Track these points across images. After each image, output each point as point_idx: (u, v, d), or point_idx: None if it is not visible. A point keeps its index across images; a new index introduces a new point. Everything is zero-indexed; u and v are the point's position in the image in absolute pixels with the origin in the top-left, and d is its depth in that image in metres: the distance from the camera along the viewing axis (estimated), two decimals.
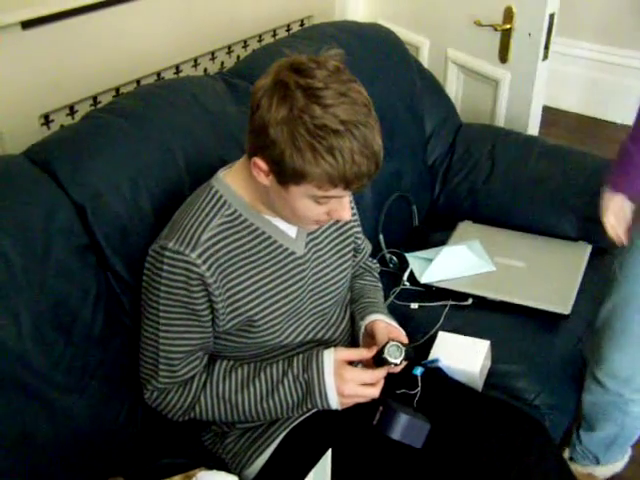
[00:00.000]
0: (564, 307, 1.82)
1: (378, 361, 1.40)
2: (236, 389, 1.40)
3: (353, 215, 1.61)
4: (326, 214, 1.31)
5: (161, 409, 1.46)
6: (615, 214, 1.62)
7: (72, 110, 1.98)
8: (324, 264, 1.51)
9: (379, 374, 1.39)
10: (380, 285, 1.72)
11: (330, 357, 1.39)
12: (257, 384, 1.40)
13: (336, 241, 1.54)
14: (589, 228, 2.03)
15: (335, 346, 1.48)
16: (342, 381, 1.37)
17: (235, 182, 1.38)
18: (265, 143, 1.21)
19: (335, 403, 1.38)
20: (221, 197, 1.37)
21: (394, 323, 1.55)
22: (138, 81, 2.14)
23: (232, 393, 1.40)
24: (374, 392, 1.38)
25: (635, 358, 1.70)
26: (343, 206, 1.29)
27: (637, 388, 1.74)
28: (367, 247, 1.72)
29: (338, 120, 1.17)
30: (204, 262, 1.31)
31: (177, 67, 2.25)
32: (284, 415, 1.44)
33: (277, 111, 1.18)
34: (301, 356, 1.42)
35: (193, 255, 1.30)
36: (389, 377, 1.46)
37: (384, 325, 1.50)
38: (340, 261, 1.54)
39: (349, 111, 1.18)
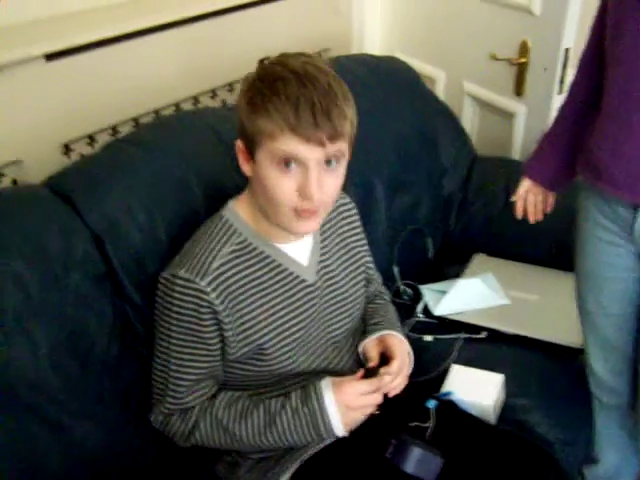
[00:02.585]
0: (578, 342, 1.81)
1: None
2: (234, 419, 1.39)
3: (363, 245, 1.62)
4: (297, 192, 1.28)
5: (165, 433, 1.46)
6: (520, 196, 1.77)
7: (92, 139, 2.01)
8: (336, 292, 1.51)
9: (376, 382, 1.39)
10: (387, 305, 1.72)
11: (327, 382, 1.39)
12: (255, 416, 1.39)
13: (349, 269, 1.55)
14: None
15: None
16: (344, 395, 1.36)
17: (243, 210, 1.41)
18: (238, 125, 1.31)
19: (340, 430, 1.37)
20: (231, 226, 1.39)
21: (387, 332, 1.56)
22: (157, 111, 2.16)
23: (230, 422, 1.39)
24: (377, 397, 1.39)
25: (610, 361, 1.71)
26: (308, 179, 1.26)
27: (622, 396, 1.75)
28: (378, 278, 1.73)
29: (289, 71, 1.24)
30: (214, 290, 1.32)
31: (195, 98, 2.28)
32: (286, 447, 1.43)
33: (240, 92, 1.30)
34: (299, 390, 1.41)
35: (203, 283, 1.31)
36: (402, 410, 1.47)
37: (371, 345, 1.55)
38: (353, 290, 1.55)
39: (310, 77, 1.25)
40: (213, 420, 1.40)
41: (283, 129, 1.22)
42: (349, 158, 1.37)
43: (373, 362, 1.50)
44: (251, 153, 1.30)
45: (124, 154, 1.61)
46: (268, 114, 1.23)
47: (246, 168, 1.35)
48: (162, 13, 2.07)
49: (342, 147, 1.29)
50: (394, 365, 1.45)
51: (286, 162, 1.25)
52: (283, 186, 1.27)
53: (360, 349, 1.56)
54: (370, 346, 1.55)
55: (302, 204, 1.28)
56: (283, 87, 1.23)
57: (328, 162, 1.28)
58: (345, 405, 1.36)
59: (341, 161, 1.31)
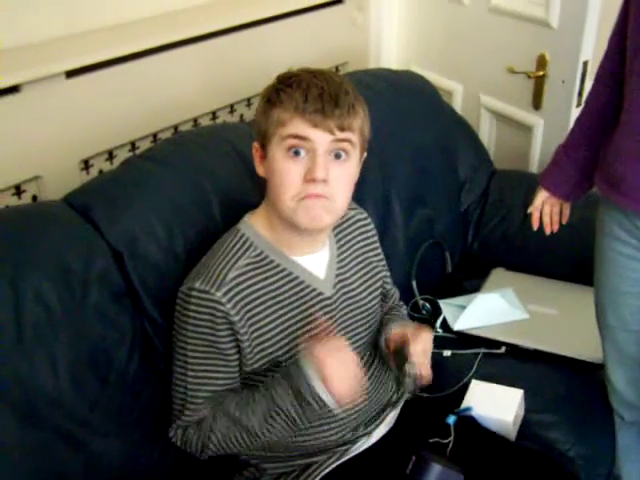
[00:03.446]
0: (599, 357, 1.79)
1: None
2: (242, 407, 1.36)
3: (380, 260, 1.62)
4: (303, 178, 1.30)
5: (182, 445, 1.44)
6: (536, 207, 1.76)
7: (111, 155, 2.02)
8: (354, 305, 1.51)
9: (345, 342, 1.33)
10: (404, 317, 1.71)
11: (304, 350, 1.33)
12: (259, 399, 1.34)
13: (367, 283, 1.55)
14: None
15: (368, 392, 1.49)
16: (313, 357, 1.27)
17: (260, 223, 1.42)
18: (255, 129, 1.38)
19: (321, 390, 1.27)
20: (247, 239, 1.40)
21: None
22: (175, 127, 2.17)
23: (238, 412, 1.35)
24: (352, 355, 1.30)
25: (631, 377, 1.69)
26: (315, 164, 1.29)
27: None
28: (396, 293, 1.72)
29: (306, 71, 1.33)
30: (229, 300, 1.33)
31: (214, 113, 2.29)
32: (295, 429, 1.36)
33: (260, 97, 1.37)
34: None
35: (218, 294, 1.32)
36: (422, 426, 1.46)
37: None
38: (370, 303, 1.54)
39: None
40: (224, 416, 1.37)
41: (292, 114, 1.29)
42: (361, 159, 1.40)
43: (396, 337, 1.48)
44: (265, 150, 1.35)
45: (143, 170, 1.62)
46: (281, 103, 1.31)
47: (260, 169, 1.40)
48: (180, 29, 2.09)
49: (352, 139, 1.32)
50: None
51: (295, 150, 1.30)
52: (290, 171, 1.31)
53: (381, 343, 1.54)
54: (393, 333, 1.51)
55: (307, 188, 1.30)
56: (297, 80, 1.31)
57: (337, 155, 1.32)
58: (315, 363, 1.27)
59: (351, 155, 1.34)
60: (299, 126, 1.29)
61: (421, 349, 1.44)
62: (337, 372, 1.27)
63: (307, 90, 1.29)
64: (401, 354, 1.43)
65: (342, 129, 1.29)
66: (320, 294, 1.44)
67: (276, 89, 1.33)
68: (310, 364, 1.28)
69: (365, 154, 1.43)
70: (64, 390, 1.35)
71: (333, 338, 1.30)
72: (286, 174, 1.31)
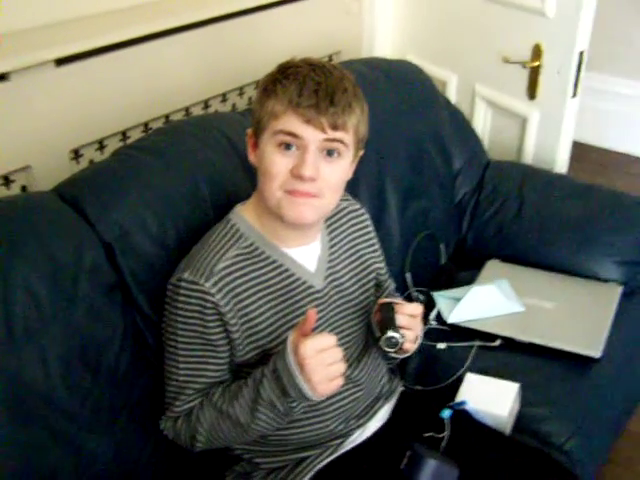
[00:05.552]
0: (594, 350, 1.79)
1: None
2: (229, 400, 1.33)
3: (375, 251, 1.60)
4: (290, 172, 1.29)
5: (174, 437, 1.43)
6: None
7: (101, 145, 2.00)
8: (345, 299, 1.49)
9: (333, 338, 1.26)
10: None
11: (290, 339, 1.27)
12: (245, 390, 1.32)
13: (358, 277, 1.53)
14: (619, 269, 2.01)
15: (360, 384, 1.48)
16: (297, 356, 1.22)
17: (250, 214, 1.41)
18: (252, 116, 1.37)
19: (305, 386, 1.23)
20: (238, 230, 1.39)
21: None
22: (167, 116, 2.15)
23: (225, 405, 1.33)
24: (337, 352, 1.25)
25: None
26: (304, 161, 1.27)
27: None
28: (391, 285, 1.70)
29: (306, 62, 1.31)
30: (219, 291, 1.31)
31: (206, 102, 2.27)
32: (281, 421, 1.32)
33: (259, 84, 1.36)
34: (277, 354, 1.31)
35: (207, 284, 1.31)
36: (416, 420, 1.44)
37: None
38: (362, 297, 1.53)
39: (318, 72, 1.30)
40: (210, 407, 1.36)
41: (286, 108, 1.27)
42: (356, 158, 1.39)
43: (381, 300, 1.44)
44: (257, 139, 1.34)
45: (134, 161, 1.60)
46: (275, 95, 1.29)
47: (252, 157, 1.39)
48: (172, 17, 2.07)
49: (344, 138, 1.30)
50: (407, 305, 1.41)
51: (287, 145, 1.28)
52: (279, 163, 1.29)
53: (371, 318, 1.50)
54: (381, 300, 1.45)
55: (294, 183, 1.29)
56: (295, 72, 1.29)
57: (329, 153, 1.30)
58: (301, 364, 1.23)
59: (343, 154, 1.33)
60: (291, 122, 1.27)
61: (409, 312, 1.40)
62: (317, 373, 1.22)
63: (303, 84, 1.27)
64: (387, 314, 1.38)
65: (335, 128, 1.27)
66: (310, 287, 1.43)
67: (273, 79, 1.31)
68: (293, 358, 1.23)
69: (362, 152, 1.41)
70: (54, 385, 1.33)
71: (320, 335, 1.25)
72: (274, 165, 1.30)
